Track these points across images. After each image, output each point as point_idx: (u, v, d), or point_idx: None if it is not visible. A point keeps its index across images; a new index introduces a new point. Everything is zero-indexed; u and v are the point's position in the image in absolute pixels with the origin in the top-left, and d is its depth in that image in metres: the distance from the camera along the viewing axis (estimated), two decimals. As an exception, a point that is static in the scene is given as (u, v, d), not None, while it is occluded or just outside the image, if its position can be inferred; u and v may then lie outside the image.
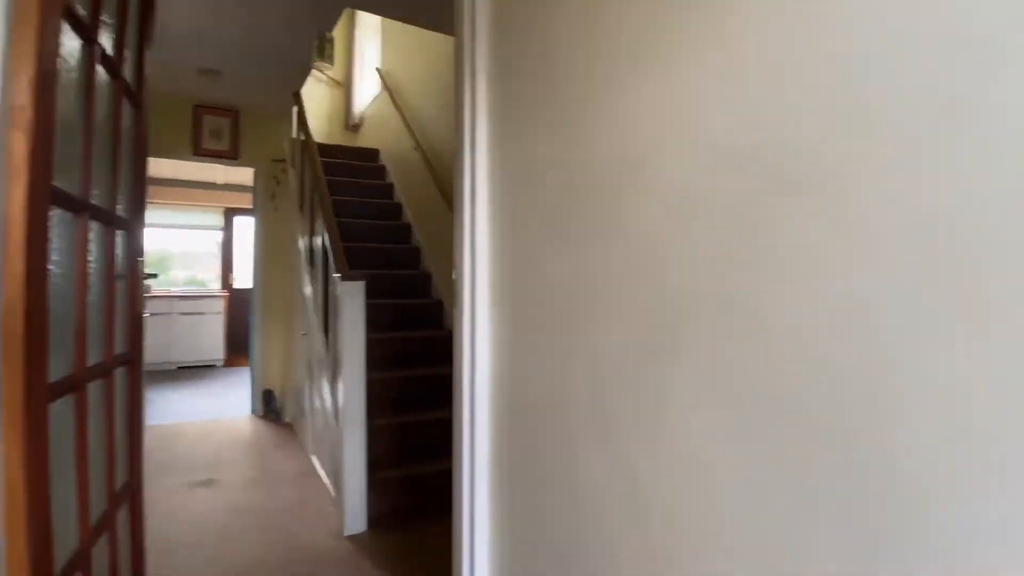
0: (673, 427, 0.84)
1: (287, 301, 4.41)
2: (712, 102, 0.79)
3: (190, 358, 6.59)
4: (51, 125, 0.87)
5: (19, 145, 0.79)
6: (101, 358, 1.18)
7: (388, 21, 5.00)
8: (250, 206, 5.05)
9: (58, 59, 0.89)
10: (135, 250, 1.41)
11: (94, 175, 1.10)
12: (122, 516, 1.33)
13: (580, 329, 1.05)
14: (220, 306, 6.83)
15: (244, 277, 7.06)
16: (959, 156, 0.52)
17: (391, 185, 4.83)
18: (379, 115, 5.28)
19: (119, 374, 1.31)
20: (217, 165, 4.64)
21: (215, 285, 7.41)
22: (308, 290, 3.49)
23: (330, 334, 2.83)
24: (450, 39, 1.60)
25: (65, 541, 0.96)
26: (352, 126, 6.25)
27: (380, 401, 2.85)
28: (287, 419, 4.25)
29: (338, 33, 4.61)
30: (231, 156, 4.36)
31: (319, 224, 3.16)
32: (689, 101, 0.82)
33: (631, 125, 0.93)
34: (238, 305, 6.92)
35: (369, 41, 5.89)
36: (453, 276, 1.48)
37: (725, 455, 0.76)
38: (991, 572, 0.50)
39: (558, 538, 1.11)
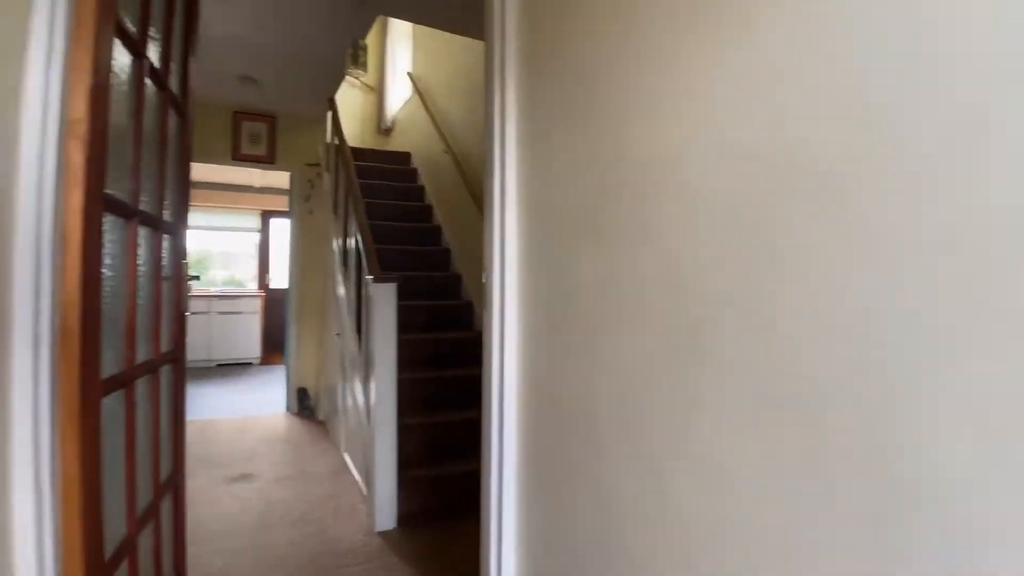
0: (698, 429, 0.84)
1: (321, 301, 4.51)
2: (741, 108, 0.78)
3: (228, 356, 6.77)
4: (105, 136, 0.92)
5: (76, 155, 0.84)
6: (149, 356, 1.24)
7: (419, 27, 5.07)
8: (286, 208, 5.19)
9: (111, 74, 0.94)
10: (179, 253, 1.48)
11: (142, 182, 1.15)
12: (165, 506, 1.39)
13: (607, 331, 1.06)
14: (257, 306, 7.02)
15: (280, 277, 7.25)
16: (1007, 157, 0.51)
17: (422, 188, 4.89)
18: (410, 119, 5.36)
19: (164, 371, 1.37)
20: (255, 169, 4.79)
21: (252, 285, 7.62)
22: (341, 291, 3.56)
23: (363, 334, 2.88)
24: (478, 43, 1.62)
25: (115, 528, 1.01)
26: (384, 130, 6.35)
27: (411, 401, 2.89)
28: (321, 417, 4.34)
29: (371, 40, 4.69)
30: (268, 160, 4.49)
31: (352, 226, 3.22)
32: (718, 107, 0.82)
33: (662, 128, 0.93)
34: (274, 305, 7.11)
35: (401, 46, 5.98)
36: (483, 279, 1.50)
37: (749, 457, 0.76)
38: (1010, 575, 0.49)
39: (581, 539, 1.12)
